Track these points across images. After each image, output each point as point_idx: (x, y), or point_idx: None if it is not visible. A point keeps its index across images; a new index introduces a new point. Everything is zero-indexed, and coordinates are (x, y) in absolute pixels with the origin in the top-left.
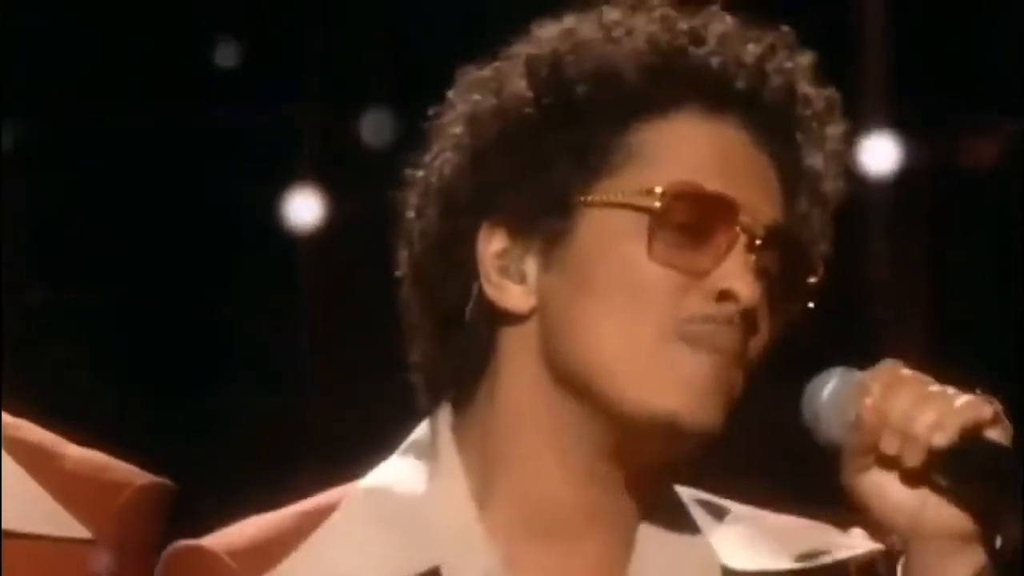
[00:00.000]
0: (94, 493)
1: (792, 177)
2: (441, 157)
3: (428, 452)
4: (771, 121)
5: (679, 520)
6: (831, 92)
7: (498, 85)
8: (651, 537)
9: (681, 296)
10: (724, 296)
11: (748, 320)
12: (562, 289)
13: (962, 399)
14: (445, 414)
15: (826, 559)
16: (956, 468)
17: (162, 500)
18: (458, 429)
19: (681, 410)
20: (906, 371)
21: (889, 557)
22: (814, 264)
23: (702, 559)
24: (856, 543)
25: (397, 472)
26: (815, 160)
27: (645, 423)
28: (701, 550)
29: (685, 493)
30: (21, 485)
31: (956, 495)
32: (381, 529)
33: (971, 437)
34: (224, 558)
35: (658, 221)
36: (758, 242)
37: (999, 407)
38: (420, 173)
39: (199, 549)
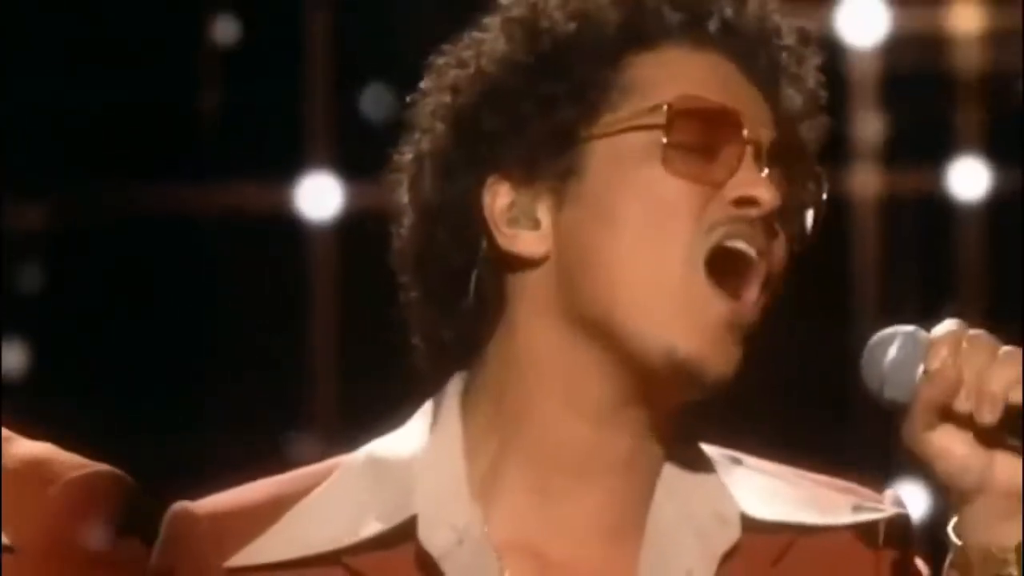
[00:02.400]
0: (22, 492)
1: (775, 111)
2: (427, 134)
3: (431, 416)
4: (751, 51)
5: (699, 468)
6: (803, 26)
7: (476, 53)
8: (669, 483)
9: (702, 208)
10: (744, 202)
11: (768, 224)
12: (581, 225)
13: None
14: (456, 382)
15: (853, 518)
16: None
17: (103, 493)
18: (466, 393)
19: (699, 353)
20: (975, 331)
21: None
22: (818, 176)
23: (721, 506)
24: (886, 506)
25: (396, 438)
26: (795, 98)
27: (665, 365)
28: (721, 497)
29: (709, 449)
30: None
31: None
32: (367, 488)
33: None
34: (203, 522)
35: (668, 134)
36: (765, 150)
37: None
38: (409, 154)
39: (186, 511)
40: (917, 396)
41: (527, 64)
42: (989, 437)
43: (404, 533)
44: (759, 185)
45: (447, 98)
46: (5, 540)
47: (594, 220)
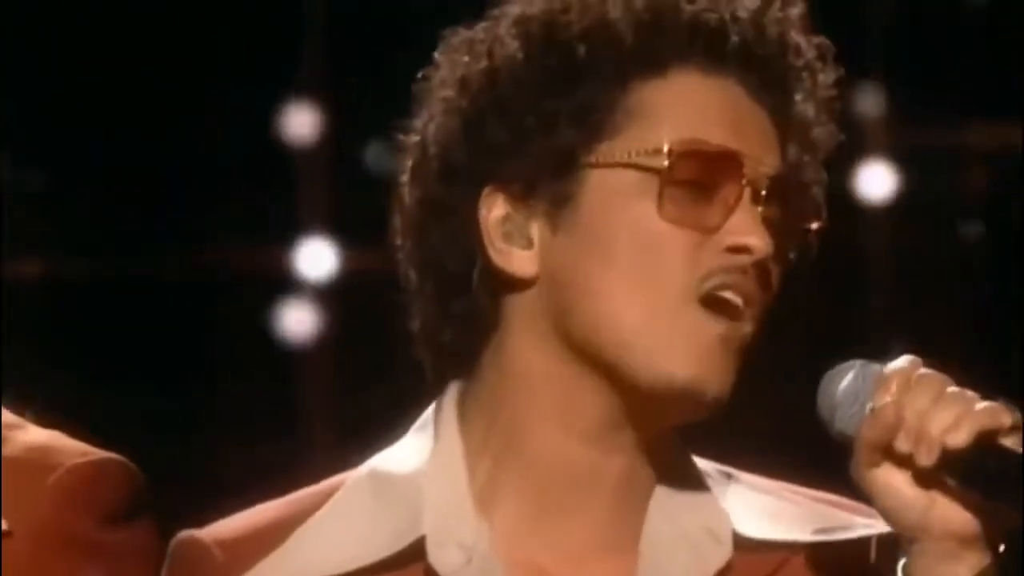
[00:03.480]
0: (24, 479)
1: (785, 126)
2: (434, 122)
3: (431, 429)
4: (766, 73)
5: (693, 486)
6: (822, 41)
7: (489, 46)
8: (662, 501)
9: (695, 253)
10: (737, 250)
11: (761, 270)
12: (571, 253)
13: (982, 403)
14: (453, 392)
15: (845, 535)
16: (967, 472)
17: (105, 481)
18: (463, 404)
19: (698, 378)
20: (925, 369)
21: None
22: (817, 209)
23: (714, 524)
24: (879, 522)
25: (399, 452)
26: (806, 108)
27: (661, 391)
28: (714, 515)
29: (703, 464)
30: None
31: (965, 498)
32: (374, 508)
33: (986, 442)
34: (212, 549)
35: (666, 180)
36: (763, 193)
37: (1019, 416)
38: (414, 138)
39: (193, 539)
40: (859, 433)
41: (534, 77)
42: (930, 479)
43: (413, 554)
44: (752, 233)
45: (454, 92)
46: (4, 525)
47: (586, 251)
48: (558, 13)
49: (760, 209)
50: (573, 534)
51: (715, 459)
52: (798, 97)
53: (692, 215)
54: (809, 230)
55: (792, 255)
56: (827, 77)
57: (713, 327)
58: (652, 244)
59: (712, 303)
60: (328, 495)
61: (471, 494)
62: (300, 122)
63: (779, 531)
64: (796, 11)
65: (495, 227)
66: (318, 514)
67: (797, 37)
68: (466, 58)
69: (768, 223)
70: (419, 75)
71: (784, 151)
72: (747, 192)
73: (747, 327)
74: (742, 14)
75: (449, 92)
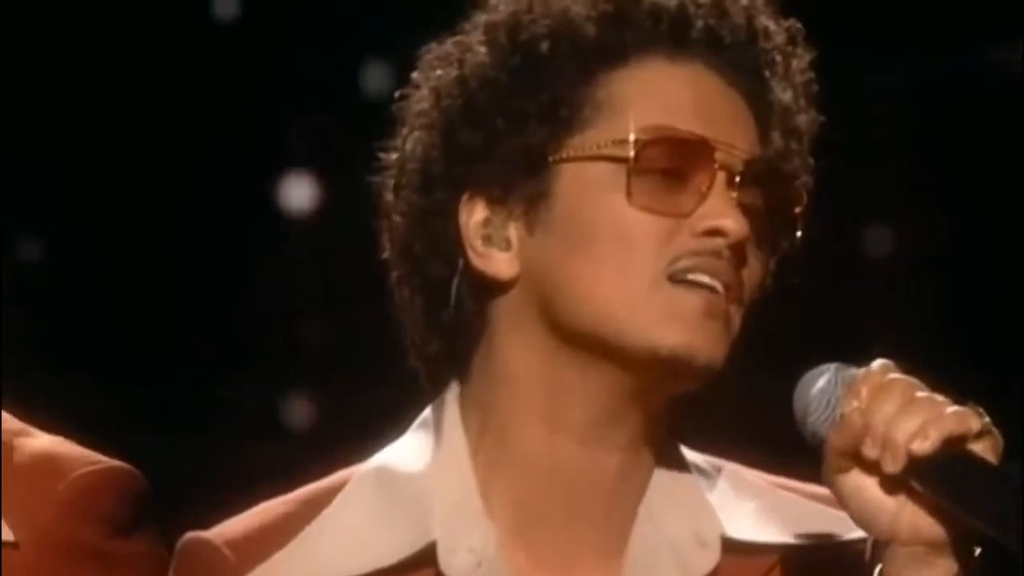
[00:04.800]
0: (31, 487)
1: (764, 113)
2: (412, 136)
3: (435, 428)
4: (735, 58)
5: (682, 488)
6: (792, 23)
7: (460, 57)
8: (650, 505)
9: (668, 239)
10: (711, 233)
11: (737, 253)
12: (549, 250)
13: (949, 409)
14: (453, 392)
15: (838, 536)
16: (934, 478)
17: (112, 489)
18: (463, 404)
19: (683, 344)
20: (896, 374)
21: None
22: (797, 194)
23: (702, 528)
24: None
25: (403, 450)
26: (784, 94)
27: (649, 360)
28: (702, 518)
29: (692, 456)
30: None
31: (933, 504)
32: (382, 509)
33: (953, 448)
34: (223, 550)
35: (634, 169)
36: (737, 178)
37: (987, 420)
38: (393, 155)
39: (201, 540)
40: (828, 439)
41: (501, 79)
42: (898, 485)
43: (423, 558)
44: (727, 216)
45: (428, 103)
46: (9, 536)
47: (563, 245)
48: (522, 14)
49: (735, 194)
50: (563, 538)
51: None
52: (775, 83)
53: (664, 202)
54: (792, 215)
55: (779, 241)
56: (800, 61)
57: (689, 300)
58: (624, 233)
59: (683, 285)
60: (334, 492)
61: (478, 496)
62: None
63: (769, 533)
64: None
65: (475, 231)
66: (325, 513)
67: (765, 21)
68: (438, 71)
69: (746, 208)
70: (397, 95)
71: (765, 137)
72: (721, 177)
73: (727, 305)
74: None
75: (424, 105)
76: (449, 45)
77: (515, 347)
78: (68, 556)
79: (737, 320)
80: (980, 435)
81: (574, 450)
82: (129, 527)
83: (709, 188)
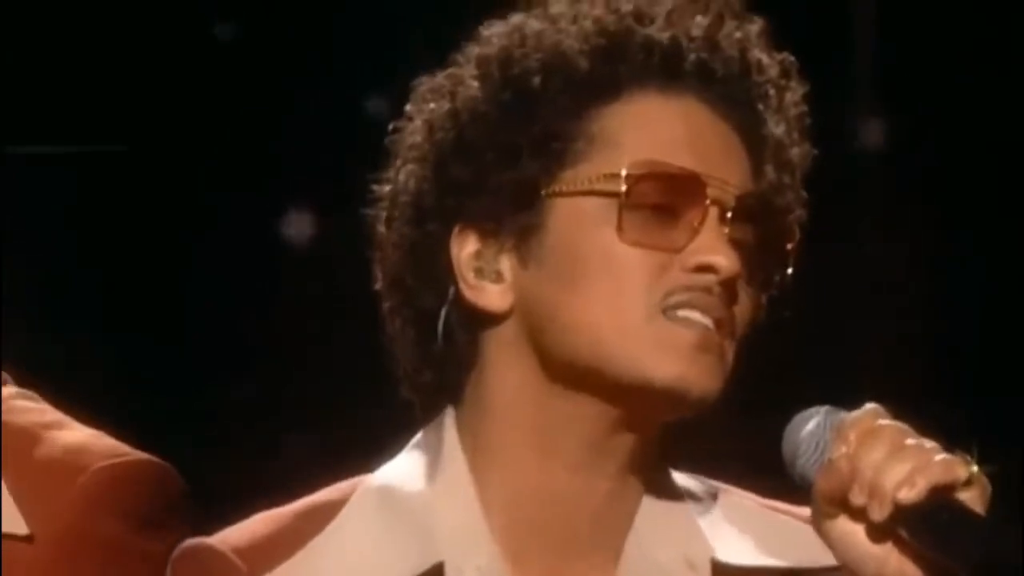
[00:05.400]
0: (54, 481)
1: (757, 146)
2: (405, 169)
3: (434, 449)
4: (728, 91)
5: (672, 511)
6: (785, 56)
7: (452, 90)
8: (640, 530)
9: (660, 274)
10: (702, 269)
11: (728, 289)
12: (541, 283)
13: (937, 456)
14: (450, 414)
15: (827, 561)
16: (920, 526)
17: (134, 482)
18: (460, 428)
19: (677, 376)
20: (885, 420)
21: None
22: (789, 229)
23: (691, 551)
24: None
25: (404, 469)
26: (777, 128)
27: (642, 392)
28: (692, 542)
29: (685, 480)
30: None
31: (920, 552)
32: (387, 527)
33: (940, 497)
34: (231, 557)
35: (625, 204)
36: (729, 214)
37: (975, 470)
38: (386, 187)
39: (206, 548)
40: (816, 484)
41: (493, 113)
42: (886, 531)
43: None
44: (718, 252)
45: (421, 136)
46: (23, 528)
47: (555, 279)
48: (514, 48)
49: (727, 230)
50: (557, 560)
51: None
52: (768, 116)
53: (655, 237)
54: (784, 250)
55: (771, 275)
56: (794, 94)
57: (683, 334)
58: (615, 267)
59: (675, 320)
60: (337, 506)
61: (483, 517)
62: None
63: (762, 557)
64: (755, 28)
65: (467, 264)
66: (329, 528)
67: (758, 54)
68: (431, 104)
69: (738, 243)
70: (391, 127)
71: (758, 171)
72: (713, 212)
73: (720, 340)
74: (696, 32)
75: (416, 138)
76: (441, 78)
77: (507, 377)
78: (89, 550)
79: (730, 355)
80: (968, 484)
81: (566, 477)
82: (158, 523)
83: (701, 223)
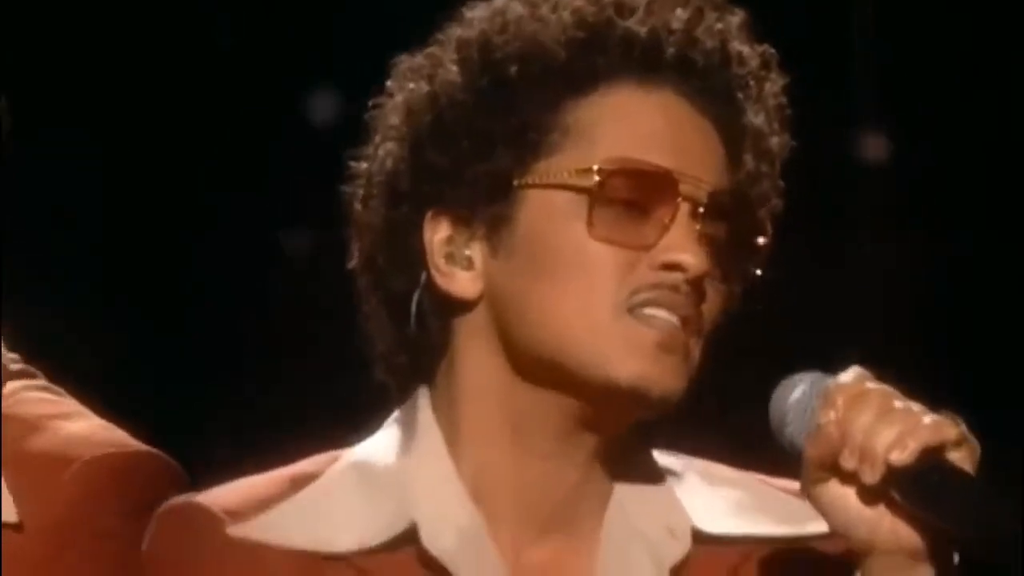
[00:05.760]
0: (49, 471)
1: (735, 137)
2: (382, 148)
3: (410, 426)
4: (707, 84)
5: (650, 484)
6: (766, 48)
7: (431, 72)
8: (619, 501)
9: (628, 270)
10: (669, 267)
11: (696, 287)
12: (510, 273)
13: (926, 418)
14: (424, 394)
15: (814, 528)
16: (912, 488)
17: (127, 473)
18: (435, 408)
19: (641, 375)
20: (873, 384)
21: None
22: (762, 225)
23: (671, 521)
24: None
25: (381, 443)
26: (757, 118)
27: (607, 392)
28: (671, 512)
29: (664, 458)
30: None
31: (912, 513)
32: (363, 493)
33: (931, 458)
34: (220, 514)
35: (596, 200)
36: (701, 209)
37: (964, 429)
38: (363, 164)
39: (195, 505)
40: (805, 450)
41: (470, 100)
42: (877, 494)
43: (405, 540)
44: (686, 250)
45: (399, 118)
46: (12, 516)
47: (525, 271)
48: (494, 34)
49: (698, 226)
50: (537, 531)
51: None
52: (747, 106)
53: (625, 233)
54: (757, 245)
55: (743, 270)
56: (774, 85)
57: (648, 334)
58: (584, 263)
59: (641, 318)
60: (316, 476)
61: (459, 481)
62: None
63: (742, 525)
64: (736, 20)
65: (438, 249)
66: (306, 490)
67: (739, 46)
68: (411, 84)
69: (710, 239)
70: (371, 104)
71: (736, 162)
72: (684, 208)
73: (685, 338)
74: (676, 25)
75: (395, 119)
76: (422, 57)
77: (476, 365)
78: (79, 539)
79: (696, 352)
80: (957, 444)
81: (537, 464)
82: (147, 511)
83: (672, 220)
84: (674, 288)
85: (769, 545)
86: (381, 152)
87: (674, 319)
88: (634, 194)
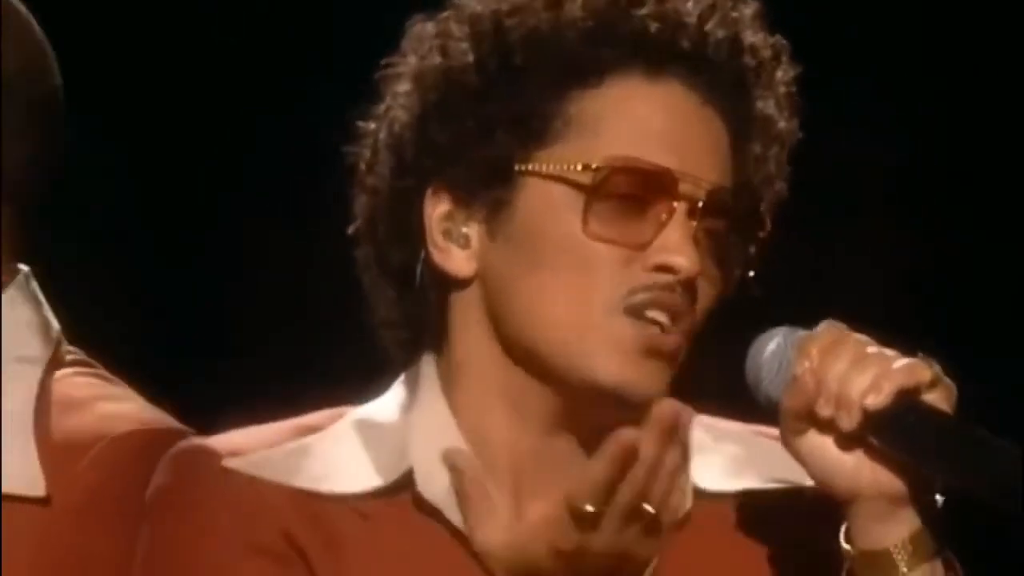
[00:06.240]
0: (79, 446)
1: (744, 125)
2: (390, 113)
3: (413, 388)
4: (717, 76)
5: None
6: (778, 39)
7: (443, 44)
8: None
9: (623, 268)
10: (662, 269)
11: (688, 288)
12: (506, 258)
13: (900, 361)
14: (428, 360)
15: (802, 479)
16: (889, 431)
17: (153, 450)
18: (439, 373)
19: (624, 378)
20: (846, 332)
21: None
22: (762, 219)
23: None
24: None
25: (385, 403)
26: (767, 104)
27: (591, 391)
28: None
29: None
30: (15, 444)
31: (892, 458)
32: (364, 443)
33: (906, 400)
34: (220, 451)
35: (593, 197)
36: (700, 205)
37: (938, 370)
38: (371, 125)
39: (197, 445)
40: (782, 402)
41: (478, 81)
42: (855, 441)
43: (401, 487)
44: (681, 252)
45: (409, 86)
46: (40, 491)
47: (520, 259)
48: (504, 16)
49: (695, 224)
50: (536, 486)
51: None
52: (756, 94)
53: (620, 231)
54: (756, 237)
55: (740, 265)
56: (785, 74)
57: (638, 337)
58: (580, 258)
59: (632, 318)
60: (316, 430)
61: (458, 431)
62: None
63: (739, 481)
64: (749, 11)
65: (437, 224)
66: (308, 438)
67: (752, 37)
68: (423, 53)
69: (708, 233)
70: (384, 63)
71: (742, 149)
72: (682, 208)
73: (675, 339)
74: (688, 19)
75: (405, 86)
76: (435, 26)
77: (471, 342)
78: (102, 514)
79: (682, 352)
80: (932, 385)
81: (535, 437)
82: None
83: (668, 219)
84: (667, 288)
85: (765, 497)
86: (388, 117)
87: (665, 319)
88: (632, 192)
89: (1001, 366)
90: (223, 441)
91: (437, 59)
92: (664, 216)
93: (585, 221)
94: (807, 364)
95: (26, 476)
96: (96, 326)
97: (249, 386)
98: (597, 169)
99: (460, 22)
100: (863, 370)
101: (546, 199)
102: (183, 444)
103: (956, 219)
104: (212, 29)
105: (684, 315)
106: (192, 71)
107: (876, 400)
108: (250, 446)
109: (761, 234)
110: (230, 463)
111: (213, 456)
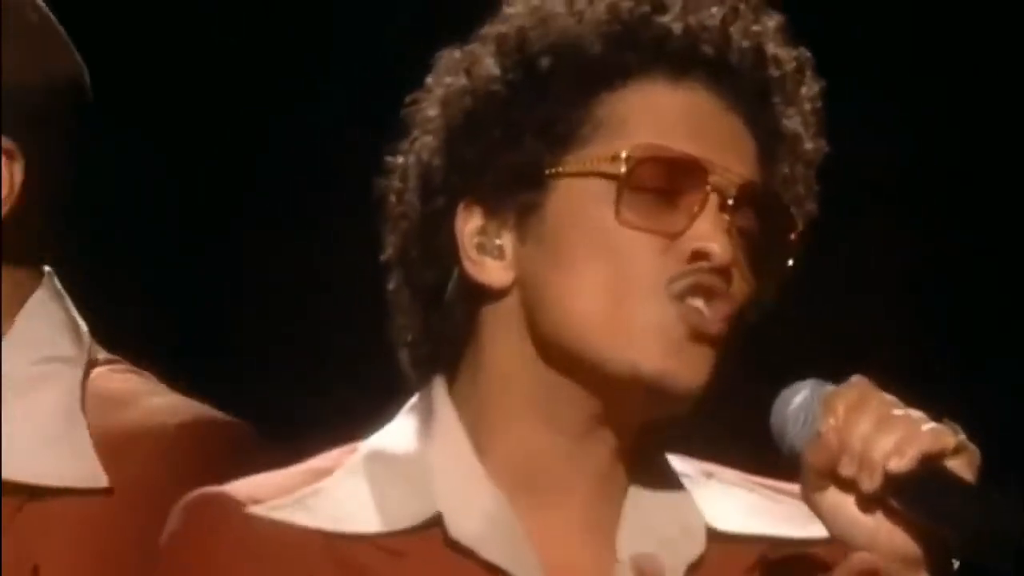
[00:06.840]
0: (135, 439)
1: (771, 139)
2: (418, 142)
3: (427, 414)
4: (740, 84)
5: (668, 483)
6: (802, 52)
7: (469, 65)
8: (636, 501)
9: (658, 257)
10: (697, 256)
11: (724, 277)
12: (539, 260)
13: (925, 426)
14: (439, 383)
15: (816, 533)
16: (910, 495)
17: (213, 442)
18: (453, 397)
19: (668, 369)
20: (873, 391)
21: None
22: (792, 221)
23: (687, 520)
24: None
25: (397, 433)
26: (793, 121)
27: (631, 383)
28: (687, 512)
29: (683, 464)
30: (67, 440)
31: (911, 520)
32: (384, 480)
33: (930, 466)
34: (240, 498)
35: (624, 186)
36: (730, 201)
37: (963, 437)
38: (399, 159)
39: (214, 493)
40: (805, 457)
41: (504, 91)
42: (876, 501)
43: (429, 528)
44: (714, 239)
45: (435, 111)
46: (102, 482)
47: (553, 259)
48: (529, 29)
49: (727, 217)
50: (557, 515)
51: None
52: (781, 109)
53: (653, 220)
54: (787, 240)
55: (771, 266)
56: (809, 89)
57: (678, 325)
58: (613, 249)
59: (674, 305)
60: (327, 473)
61: (481, 467)
62: None
63: (759, 526)
64: (773, 23)
65: (469, 239)
66: (323, 482)
67: (774, 48)
68: (449, 79)
69: (740, 230)
70: (410, 99)
71: (770, 164)
72: (713, 199)
73: (714, 328)
74: (711, 24)
75: (431, 112)
76: (460, 53)
77: (505, 352)
78: (166, 505)
79: (721, 344)
80: (956, 452)
81: (566, 442)
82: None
83: (700, 209)
84: (702, 276)
85: (782, 546)
86: (417, 146)
87: (704, 308)
88: (663, 182)
89: (1001, 366)
90: (240, 489)
91: (463, 81)
92: (696, 207)
93: (618, 211)
94: (832, 422)
95: (85, 470)
96: (95, 326)
97: (250, 386)
98: (627, 159)
99: (486, 45)
100: (888, 432)
101: (577, 196)
102: (198, 494)
103: (956, 219)
104: (212, 29)
105: (724, 301)
106: (192, 71)
107: (899, 464)
108: (267, 494)
109: (793, 235)
110: (254, 510)
111: (234, 503)
